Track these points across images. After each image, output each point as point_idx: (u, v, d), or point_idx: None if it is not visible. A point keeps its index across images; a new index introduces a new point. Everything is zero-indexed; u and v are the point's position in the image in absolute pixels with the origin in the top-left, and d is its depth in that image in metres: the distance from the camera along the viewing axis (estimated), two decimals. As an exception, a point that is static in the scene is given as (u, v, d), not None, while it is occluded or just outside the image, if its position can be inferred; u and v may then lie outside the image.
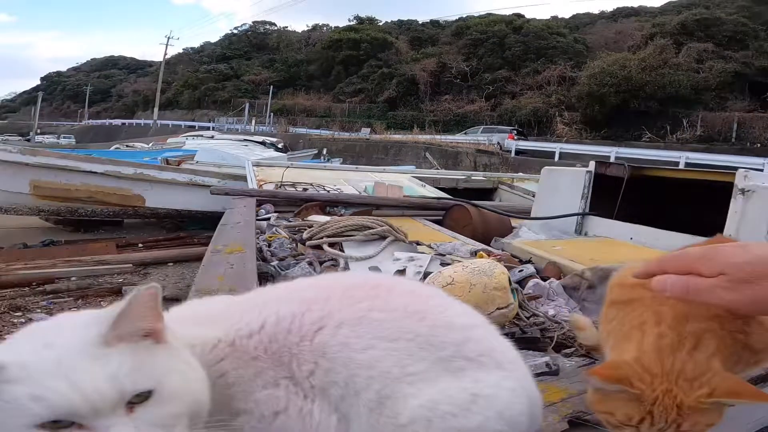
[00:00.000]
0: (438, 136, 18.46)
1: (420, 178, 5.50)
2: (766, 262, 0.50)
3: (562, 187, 3.10)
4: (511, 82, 24.99)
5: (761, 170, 10.85)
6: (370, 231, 1.99)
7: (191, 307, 0.59)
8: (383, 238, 2.00)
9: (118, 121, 36.12)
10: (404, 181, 5.17)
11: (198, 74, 38.48)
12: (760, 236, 1.97)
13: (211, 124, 27.12)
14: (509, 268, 1.81)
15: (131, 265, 3.82)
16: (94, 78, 49.45)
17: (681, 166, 11.67)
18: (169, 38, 36.43)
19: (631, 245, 2.54)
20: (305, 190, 3.91)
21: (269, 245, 2.19)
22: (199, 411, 0.40)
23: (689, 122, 16.98)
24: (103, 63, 56.32)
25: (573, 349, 1.09)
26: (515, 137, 17.76)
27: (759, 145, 14.83)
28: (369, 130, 22.55)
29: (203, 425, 0.41)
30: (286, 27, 45.48)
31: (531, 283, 1.67)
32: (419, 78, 27.68)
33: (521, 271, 1.74)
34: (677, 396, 0.55)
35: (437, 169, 11.16)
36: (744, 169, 2.21)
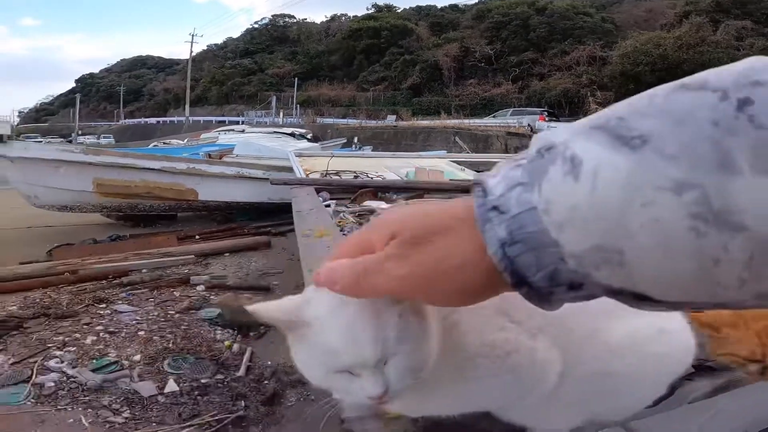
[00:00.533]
0: (467, 120, 18.32)
1: (456, 163, 5.56)
2: (450, 209, 0.31)
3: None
4: (538, 63, 24.45)
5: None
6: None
7: None
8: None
9: (152, 120, 37.20)
10: (443, 165, 5.24)
11: (224, 70, 39.20)
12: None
13: (240, 119, 27.66)
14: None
15: (193, 256, 4.04)
16: (125, 78, 50.83)
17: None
18: (193, 36, 37.13)
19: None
20: (356, 177, 4.05)
21: (342, 230, 2.36)
22: (429, 362, 0.46)
23: (730, 100, 16.28)
24: (133, 63, 57.67)
25: None
26: (546, 119, 17.45)
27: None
28: (395, 117, 22.54)
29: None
30: (305, 19, 45.63)
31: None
32: (442, 63, 27.39)
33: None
34: None
35: (468, 152, 11.13)
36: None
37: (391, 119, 21.94)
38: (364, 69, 31.91)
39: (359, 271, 0.33)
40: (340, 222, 2.52)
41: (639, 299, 0.26)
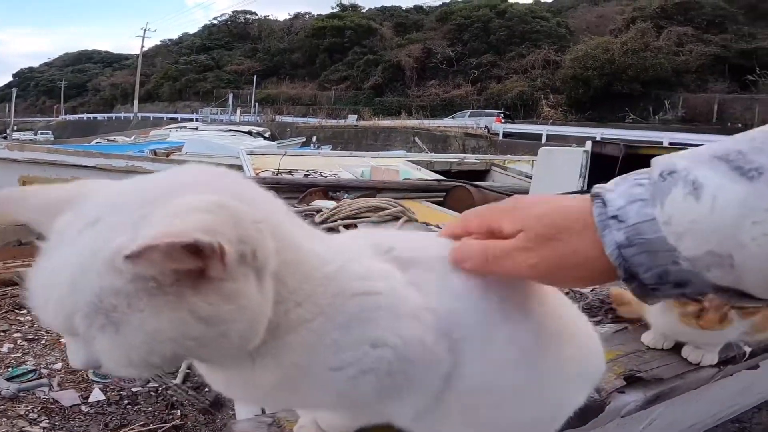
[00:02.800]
0: (426, 121, 18.50)
1: (413, 162, 5.53)
2: (579, 212, 0.38)
3: (559, 167, 3.18)
4: (496, 66, 25.05)
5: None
6: (385, 212, 2.04)
7: None
8: (397, 218, 2.05)
9: (96, 116, 35.26)
10: (399, 165, 5.19)
11: (178, 66, 37.76)
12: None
13: (194, 116, 26.65)
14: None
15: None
16: (68, 72, 48.09)
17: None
18: (145, 30, 35.54)
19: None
20: (306, 176, 3.92)
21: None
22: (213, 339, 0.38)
23: (671, 104, 17.34)
24: (77, 57, 54.69)
25: (599, 317, 1.16)
26: (502, 120, 17.90)
27: (740, 125, 15.22)
28: (356, 116, 22.44)
29: None
30: (267, 16, 44.78)
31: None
32: (405, 64, 27.54)
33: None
34: None
35: (427, 153, 11.21)
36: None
37: (352, 119, 21.80)
38: (327, 68, 31.59)
39: (489, 255, 0.41)
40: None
41: (742, 296, 0.33)
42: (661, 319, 0.82)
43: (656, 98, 17.66)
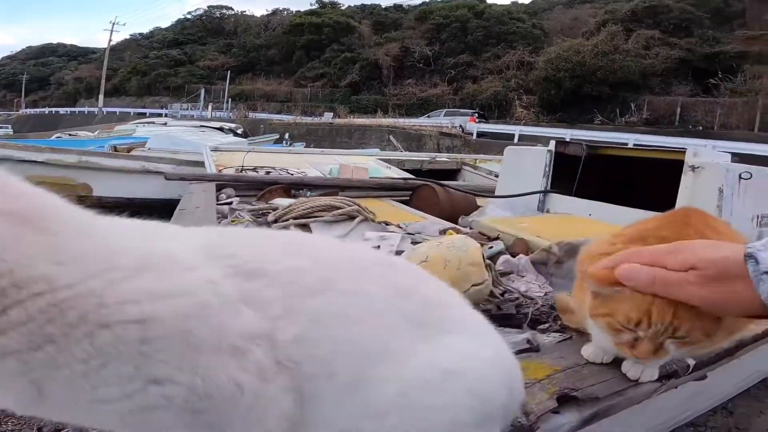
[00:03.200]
0: (401, 120, 18.48)
1: (385, 160, 5.47)
2: (737, 263, 0.49)
3: (524, 166, 3.17)
4: (472, 66, 25.24)
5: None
6: (339, 211, 1.95)
7: None
8: (352, 218, 1.97)
9: (59, 110, 33.80)
10: (370, 163, 5.14)
11: (148, 60, 36.60)
12: (711, 208, 2.08)
13: (163, 111, 25.83)
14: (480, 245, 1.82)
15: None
16: (30, 66, 45.98)
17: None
18: (113, 24, 34.32)
19: (591, 221, 2.63)
20: (268, 173, 3.79)
21: (231, 229, 2.11)
22: None
23: (636, 106, 17.87)
24: (40, 51, 52.36)
25: (548, 324, 1.11)
26: (477, 120, 18.07)
27: (701, 127, 15.79)
28: (332, 114, 22.22)
29: None
30: (244, 11, 43.91)
31: (501, 259, 1.68)
32: (382, 62, 27.48)
33: (491, 247, 1.75)
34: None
35: (401, 151, 11.17)
36: (693, 147, 2.34)
37: (328, 116, 21.56)
38: (303, 65, 31.21)
39: (657, 279, 0.54)
40: (233, 221, 2.27)
41: None
42: (601, 335, 0.76)
43: (623, 101, 18.16)
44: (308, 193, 3.30)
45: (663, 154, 2.71)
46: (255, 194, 3.13)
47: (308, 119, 20.78)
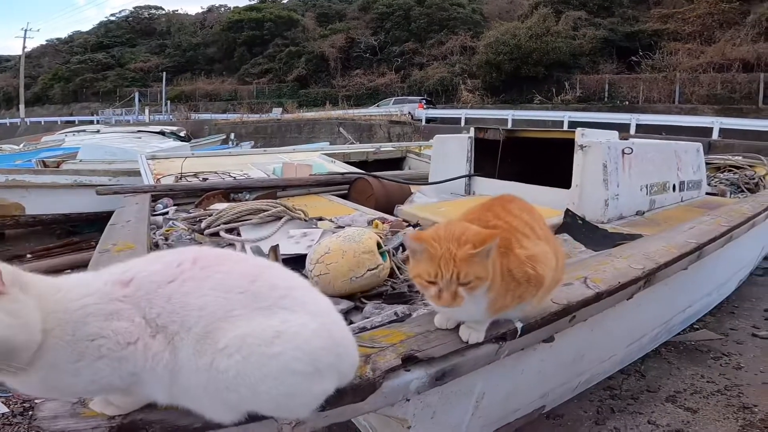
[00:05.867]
0: (351, 111, 18.48)
1: (331, 155, 5.54)
2: None
3: (450, 153, 3.38)
4: (418, 53, 25.51)
5: (628, 124, 12.36)
6: (266, 213, 2.07)
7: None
8: (279, 218, 2.09)
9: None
10: (315, 159, 5.18)
11: (70, 66, 34.37)
12: (598, 182, 2.35)
13: (95, 118, 24.39)
14: (396, 234, 2.00)
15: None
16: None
17: (565, 126, 12.89)
18: (26, 30, 32.04)
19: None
20: (205, 179, 3.81)
21: (167, 239, 2.18)
22: (7, 351, 0.58)
23: (570, 84, 18.80)
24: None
25: (413, 302, 1.28)
26: (425, 106, 18.37)
27: (627, 102, 16.92)
28: (280, 110, 21.84)
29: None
30: (176, 10, 41.83)
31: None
32: (329, 54, 27.21)
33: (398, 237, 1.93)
34: (452, 251, 0.81)
35: (352, 143, 11.22)
36: (581, 129, 2.59)
37: (276, 112, 21.18)
38: (246, 62, 30.30)
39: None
40: (168, 230, 2.34)
41: None
42: None
43: (557, 80, 19.06)
44: (247, 196, 3.37)
45: (562, 134, 2.98)
46: (194, 201, 3.17)
47: (255, 117, 20.31)
